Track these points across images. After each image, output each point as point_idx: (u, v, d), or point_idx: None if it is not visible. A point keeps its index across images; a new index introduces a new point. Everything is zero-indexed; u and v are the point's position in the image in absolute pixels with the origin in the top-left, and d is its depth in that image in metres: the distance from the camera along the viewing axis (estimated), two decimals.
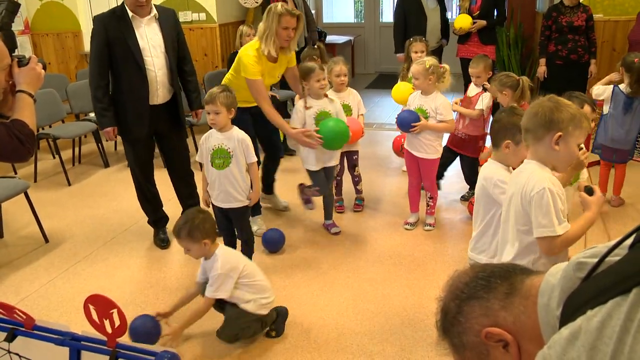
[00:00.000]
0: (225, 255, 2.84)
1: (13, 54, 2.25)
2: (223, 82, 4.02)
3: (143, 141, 3.96)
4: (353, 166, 4.59)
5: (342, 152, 4.38)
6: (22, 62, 2.21)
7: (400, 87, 4.98)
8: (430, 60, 3.92)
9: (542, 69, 6.05)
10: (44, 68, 2.35)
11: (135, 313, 3.23)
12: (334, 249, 4.00)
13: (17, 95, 2.24)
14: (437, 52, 6.31)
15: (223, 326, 2.91)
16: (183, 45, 4.00)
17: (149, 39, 3.74)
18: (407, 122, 3.95)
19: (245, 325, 2.90)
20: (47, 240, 4.37)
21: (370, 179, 5.25)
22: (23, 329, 1.97)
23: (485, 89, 4.32)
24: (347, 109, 4.33)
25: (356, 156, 4.56)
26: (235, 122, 3.46)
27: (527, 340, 1.02)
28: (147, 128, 3.87)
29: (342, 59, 4.46)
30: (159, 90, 3.85)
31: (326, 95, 3.99)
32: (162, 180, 4.28)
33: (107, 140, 4.27)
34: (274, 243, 3.99)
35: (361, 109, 4.46)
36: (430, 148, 4.02)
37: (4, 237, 4.51)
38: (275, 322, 3.02)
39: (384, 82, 9.96)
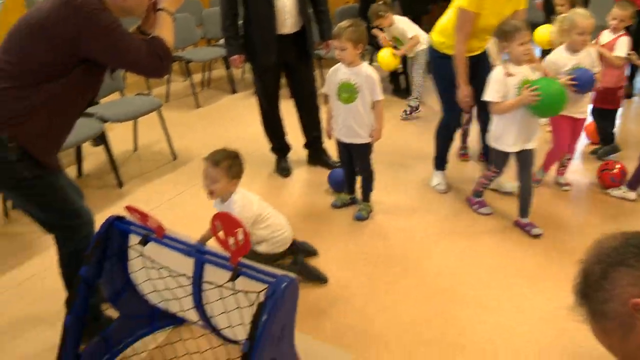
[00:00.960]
0: (243, 202, 2.78)
1: None
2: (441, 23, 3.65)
3: (271, 70, 4.00)
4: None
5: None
6: None
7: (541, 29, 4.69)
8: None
9: None
10: None
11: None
12: (452, 198, 3.90)
13: (158, 13, 2.30)
14: None
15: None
16: None
17: None
18: (589, 78, 3.50)
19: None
20: (175, 158, 4.59)
21: None
22: (155, 236, 2.08)
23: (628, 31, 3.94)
24: None
25: None
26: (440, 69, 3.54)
27: None
28: (274, 57, 3.89)
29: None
30: (287, 20, 3.84)
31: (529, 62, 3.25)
32: (287, 111, 4.32)
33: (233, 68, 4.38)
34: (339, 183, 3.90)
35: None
36: (584, 108, 3.77)
37: (137, 151, 4.79)
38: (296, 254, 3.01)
39: None
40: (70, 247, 2.37)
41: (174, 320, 2.59)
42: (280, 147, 4.33)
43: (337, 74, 3.40)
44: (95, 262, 2.16)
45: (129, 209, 2.07)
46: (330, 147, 4.27)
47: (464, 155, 4.47)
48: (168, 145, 4.65)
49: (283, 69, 4.09)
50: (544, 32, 4.62)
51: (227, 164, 2.67)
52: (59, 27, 2.03)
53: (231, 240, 1.84)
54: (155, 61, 2.19)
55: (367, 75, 3.32)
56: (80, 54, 2.09)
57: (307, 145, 4.40)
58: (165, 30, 2.28)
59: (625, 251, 1.02)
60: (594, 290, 1.04)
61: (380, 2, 5.25)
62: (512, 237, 3.38)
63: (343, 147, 3.56)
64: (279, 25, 3.83)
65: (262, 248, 2.83)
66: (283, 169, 4.27)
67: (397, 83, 6.09)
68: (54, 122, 2.18)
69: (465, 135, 4.45)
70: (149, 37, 2.25)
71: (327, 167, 4.27)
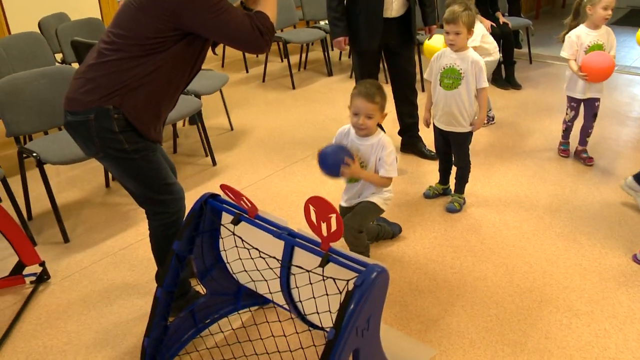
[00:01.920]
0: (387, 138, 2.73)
1: None
2: None
3: (372, 54, 3.94)
4: (594, 115, 4.05)
5: (584, 98, 3.98)
6: None
7: None
8: None
9: None
10: None
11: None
12: (550, 195, 3.71)
13: None
14: None
15: (352, 216, 2.78)
16: None
17: None
18: None
19: (372, 219, 2.89)
20: (268, 139, 4.62)
21: (602, 127, 4.76)
22: (247, 216, 2.08)
23: None
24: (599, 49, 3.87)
25: (598, 103, 4.06)
26: None
27: None
28: (378, 41, 3.84)
29: None
30: (394, 4, 3.78)
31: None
32: None
33: (333, 50, 4.31)
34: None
35: (612, 50, 3.94)
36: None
37: (233, 130, 4.86)
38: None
39: (637, 18, 8.81)
40: (160, 221, 2.42)
41: (258, 301, 2.61)
42: None
43: (441, 59, 3.29)
44: (188, 237, 2.20)
45: (224, 187, 2.08)
46: (425, 136, 4.18)
47: (564, 151, 4.26)
48: (262, 125, 4.69)
49: (384, 53, 4.03)
50: None
51: (380, 99, 2.63)
52: (167, 0, 2.06)
53: (323, 226, 1.81)
54: (257, 36, 2.19)
55: (473, 60, 3.20)
56: (184, 27, 2.12)
57: (401, 132, 4.31)
58: (268, 6, 2.27)
59: None
60: None
61: None
62: (611, 240, 3.17)
63: (441, 135, 3.45)
64: (385, 8, 3.77)
65: (375, 199, 2.80)
66: None
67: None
68: (157, 95, 2.22)
69: (567, 131, 4.24)
70: (252, 12, 2.24)
71: (422, 156, 4.18)
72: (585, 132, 4.12)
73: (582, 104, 4.05)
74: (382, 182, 2.70)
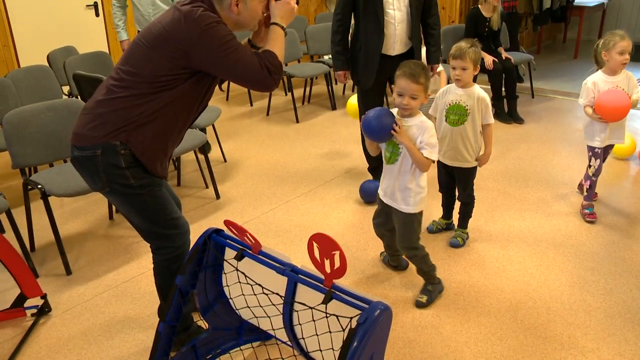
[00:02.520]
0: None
1: None
2: None
3: (372, 89, 3.97)
4: (603, 159, 3.88)
5: (604, 146, 3.78)
6: None
7: None
8: None
9: None
10: (297, 3, 2.41)
11: (347, 255, 3.31)
12: (554, 229, 3.71)
13: (271, 27, 2.33)
14: None
15: (402, 236, 2.87)
16: None
17: None
18: None
19: (416, 229, 2.88)
20: (271, 172, 4.64)
21: (605, 162, 4.78)
22: (250, 252, 2.08)
23: None
24: None
25: (612, 149, 4.00)
26: None
27: None
28: (373, 80, 3.87)
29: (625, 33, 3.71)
30: (396, 44, 3.82)
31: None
32: None
33: (337, 84, 4.36)
34: (370, 194, 4.03)
35: (635, 94, 3.68)
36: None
37: (234, 162, 4.89)
38: None
39: (637, 54, 8.87)
40: (165, 255, 2.42)
41: (261, 336, 2.59)
42: (375, 166, 4.28)
43: (447, 95, 3.32)
44: (191, 272, 2.20)
45: (227, 223, 2.09)
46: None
47: (590, 215, 3.82)
48: (266, 159, 4.72)
49: (387, 86, 4.04)
50: None
51: (425, 79, 2.66)
52: (176, 39, 2.10)
53: (327, 262, 1.81)
54: (265, 75, 2.21)
55: (479, 97, 3.23)
56: (193, 66, 2.15)
57: None
58: (277, 44, 2.30)
59: None
60: None
61: None
62: (615, 276, 3.16)
63: (445, 170, 3.46)
64: (386, 48, 3.81)
65: (416, 201, 2.81)
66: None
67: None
68: (164, 131, 2.24)
69: (592, 189, 3.86)
70: (260, 51, 2.28)
71: None
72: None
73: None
74: (423, 160, 2.69)
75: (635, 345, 2.63)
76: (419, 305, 2.94)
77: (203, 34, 2.08)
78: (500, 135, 5.37)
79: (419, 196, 2.81)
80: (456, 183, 3.47)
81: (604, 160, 3.83)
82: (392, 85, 3.49)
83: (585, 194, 3.86)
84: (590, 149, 3.77)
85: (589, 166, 3.78)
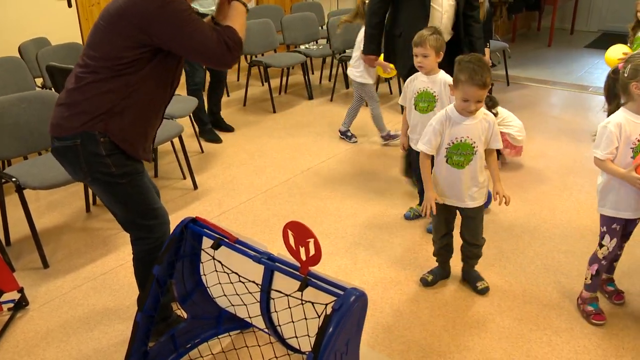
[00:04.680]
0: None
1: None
2: None
3: (404, 77, 3.82)
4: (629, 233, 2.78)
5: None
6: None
7: (615, 48, 4.50)
8: None
9: None
10: None
11: (324, 243, 3.34)
12: (531, 215, 3.77)
13: (232, 3, 2.30)
14: None
15: (474, 228, 2.89)
16: None
17: None
18: None
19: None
20: (249, 162, 4.65)
21: (581, 149, 4.86)
22: (227, 241, 2.09)
23: None
24: None
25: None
26: None
27: None
28: (409, 67, 3.63)
29: None
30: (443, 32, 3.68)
31: None
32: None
33: (313, 73, 4.33)
34: None
35: None
36: None
37: (203, 152, 4.88)
38: None
39: (607, 42, 9.03)
40: (144, 245, 2.42)
41: (240, 325, 2.61)
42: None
43: (414, 84, 3.36)
44: (168, 262, 2.20)
45: (199, 220, 2.10)
46: (399, 159, 4.23)
47: (597, 316, 2.74)
48: (243, 150, 4.72)
49: None
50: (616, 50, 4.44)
51: (490, 78, 2.61)
52: (132, 14, 2.07)
53: (302, 250, 1.83)
54: (223, 50, 2.17)
55: (445, 82, 3.27)
56: (151, 42, 2.11)
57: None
58: (237, 20, 2.26)
59: None
60: None
61: None
62: (587, 257, 3.23)
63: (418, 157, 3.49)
64: None
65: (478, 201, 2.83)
66: None
67: None
68: (141, 116, 2.23)
69: (598, 277, 2.75)
70: (220, 27, 2.25)
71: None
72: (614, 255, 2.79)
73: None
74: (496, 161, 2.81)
75: (608, 324, 2.69)
76: (484, 291, 2.96)
77: (160, 8, 2.05)
78: None
79: (484, 183, 2.84)
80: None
81: (628, 238, 2.76)
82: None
83: (588, 281, 2.76)
84: (606, 221, 2.64)
85: (600, 245, 2.68)
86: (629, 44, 4.59)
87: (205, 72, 5.00)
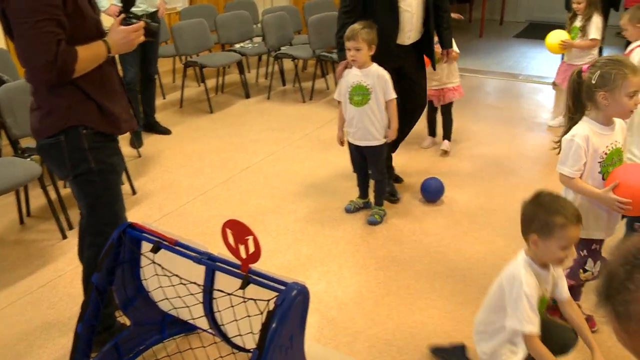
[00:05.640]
0: None
1: (130, 11, 2.30)
2: None
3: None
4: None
5: None
6: (127, 22, 2.27)
7: (554, 34, 4.70)
8: None
9: None
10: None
11: (266, 241, 3.34)
12: (467, 201, 3.87)
13: (112, 30, 2.26)
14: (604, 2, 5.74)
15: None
16: None
17: None
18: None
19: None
20: (188, 164, 4.59)
21: (514, 134, 5.02)
22: (167, 244, 2.07)
23: None
24: None
25: None
26: None
27: None
28: (390, 66, 3.59)
29: None
30: (411, 32, 3.65)
31: None
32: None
33: (250, 72, 4.30)
34: (435, 192, 3.86)
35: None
36: None
37: (141, 157, 4.80)
38: None
39: (535, 31, 9.33)
40: (97, 252, 2.37)
41: (185, 328, 2.58)
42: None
43: (348, 78, 3.39)
44: (107, 269, 2.16)
45: (136, 226, 2.07)
46: (339, 155, 4.26)
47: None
48: (181, 151, 4.65)
49: (397, 75, 3.73)
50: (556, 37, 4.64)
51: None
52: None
53: (242, 248, 1.83)
54: (47, 66, 2.03)
55: (378, 75, 3.32)
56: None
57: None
58: (89, 51, 2.15)
59: None
60: (617, 291, 1.00)
61: None
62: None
63: (357, 151, 3.54)
64: (401, 39, 3.63)
65: None
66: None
67: None
68: (101, 96, 2.25)
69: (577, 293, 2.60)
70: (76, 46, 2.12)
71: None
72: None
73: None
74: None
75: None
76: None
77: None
78: None
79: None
80: (368, 162, 3.56)
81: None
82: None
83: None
84: (585, 244, 2.43)
85: (584, 270, 2.48)
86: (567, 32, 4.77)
87: (136, 70, 4.84)
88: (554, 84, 6.22)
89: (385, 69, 3.59)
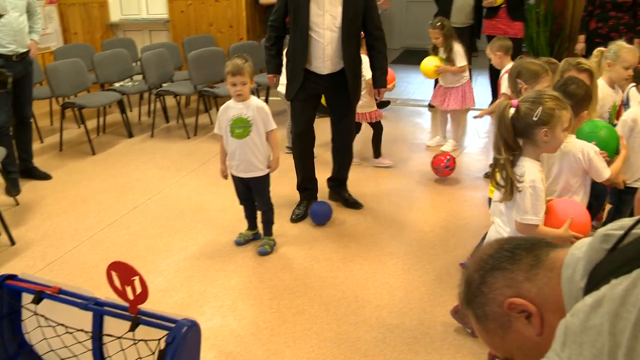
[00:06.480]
0: None
1: None
2: None
3: (302, 102, 3.91)
4: None
5: None
6: None
7: (428, 60, 5.05)
8: None
9: (580, 46, 5.77)
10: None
11: (157, 281, 3.30)
12: (355, 224, 4.00)
13: None
14: (466, 31, 6.19)
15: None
16: (371, 16, 3.79)
17: (326, 10, 3.65)
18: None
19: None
20: (71, 209, 4.44)
21: (399, 152, 5.25)
22: (49, 293, 2.01)
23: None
24: None
25: None
26: None
27: (550, 311, 1.01)
28: (295, 93, 3.81)
29: None
30: (327, 62, 3.75)
31: None
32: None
33: (132, 111, 4.24)
34: (322, 215, 4.00)
35: None
36: None
37: (19, 205, 4.59)
38: None
39: (409, 57, 9.86)
40: None
41: None
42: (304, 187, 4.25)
43: (227, 112, 3.44)
44: None
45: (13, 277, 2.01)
46: (226, 189, 4.28)
47: None
48: (64, 196, 4.49)
49: (313, 102, 3.97)
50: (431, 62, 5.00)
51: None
52: None
53: (129, 289, 1.81)
54: None
55: (258, 107, 3.41)
56: None
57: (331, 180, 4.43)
58: None
59: (499, 256, 1.09)
60: (474, 295, 1.11)
61: None
62: (410, 256, 3.51)
63: (241, 183, 3.58)
64: (316, 67, 3.77)
65: None
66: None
67: None
68: None
69: None
70: None
71: (346, 204, 4.32)
72: None
73: None
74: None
75: (431, 314, 2.96)
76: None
77: None
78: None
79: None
80: (253, 193, 3.61)
81: None
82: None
83: None
84: None
85: None
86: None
87: (8, 114, 4.55)
88: (429, 106, 6.60)
89: (291, 94, 3.85)
